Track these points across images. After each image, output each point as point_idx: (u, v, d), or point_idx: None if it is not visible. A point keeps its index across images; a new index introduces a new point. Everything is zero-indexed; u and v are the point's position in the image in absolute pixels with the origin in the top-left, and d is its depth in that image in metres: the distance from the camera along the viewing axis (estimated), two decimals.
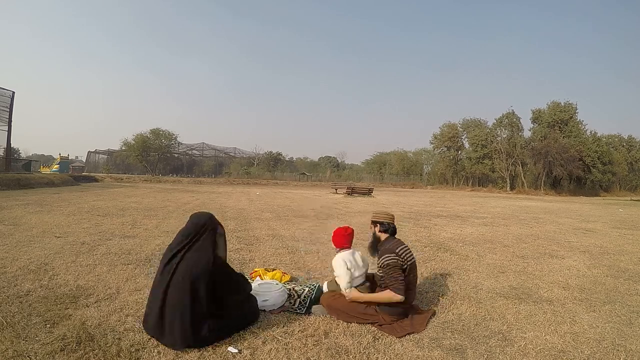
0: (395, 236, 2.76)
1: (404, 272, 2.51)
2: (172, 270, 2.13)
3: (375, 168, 57.02)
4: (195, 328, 2.03)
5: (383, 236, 2.72)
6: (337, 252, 2.78)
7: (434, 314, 2.70)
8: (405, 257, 2.55)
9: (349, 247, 2.79)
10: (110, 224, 6.23)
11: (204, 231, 2.26)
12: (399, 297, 2.42)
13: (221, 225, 2.39)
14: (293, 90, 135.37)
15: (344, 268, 2.59)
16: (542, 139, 40.62)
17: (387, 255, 2.52)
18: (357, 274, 2.66)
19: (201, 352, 2.02)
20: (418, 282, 3.49)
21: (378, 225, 2.74)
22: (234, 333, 2.23)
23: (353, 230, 2.85)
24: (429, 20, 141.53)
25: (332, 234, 2.84)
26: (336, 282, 2.70)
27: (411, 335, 2.34)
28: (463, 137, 48.96)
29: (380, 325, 2.45)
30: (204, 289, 2.09)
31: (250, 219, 7.91)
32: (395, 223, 2.78)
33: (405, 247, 2.64)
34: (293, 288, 3.00)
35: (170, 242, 2.32)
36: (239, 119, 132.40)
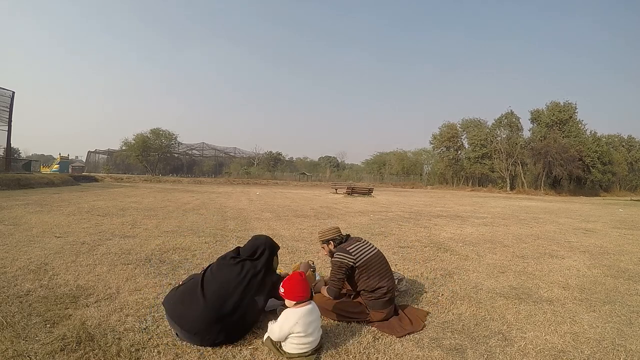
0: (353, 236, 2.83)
1: (353, 271, 2.59)
2: (221, 273, 2.27)
3: (375, 168, 57.03)
4: (213, 329, 2.07)
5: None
6: (291, 306, 2.10)
7: (427, 313, 2.71)
8: (357, 254, 2.60)
9: (309, 300, 2.12)
10: (110, 224, 6.23)
11: (262, 251, 2.40)
12: (328, 296, 2.60)
13: (277, 246, 2.55)
14: (293, 90, 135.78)
15: (285, 330, 2.00)
16: (542, 139, 40.62)
17: (338, 254, 2.63)
18: (309, 339, 2.02)
19: (201, 352, 2.02)
20: (418, 281, 3.52)
21: (331, 242, 2.79)
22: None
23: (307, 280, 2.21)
24: (429, 21, 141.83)
25: (285, 284, 2.12)
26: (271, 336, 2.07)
27: (411, 335, 2.34)
28: (462, 137, 49.00)
29: (378, 322, 2.47)
30: (242, 298, 2.17)
31: (250, 219, 7.90)
32: (344, 232, 2.85)
33: (359, 244, 2.68)
34: None
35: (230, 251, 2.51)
36: (239, 119, 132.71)
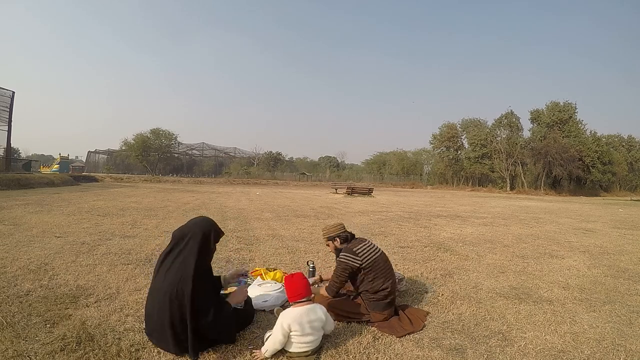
0: (358, 237, 2.81)
1: (358, 272, 2.57)
2: (158, 277, 2.07)
3: (375, 168, 57.03)
4: (183, 337, 1.95)
5: (343, 245, 2.74)
6: (290, 306, 2.15)
7: (427, 313, 2.72)
8: (364, 256, 2.57)
9: (306, 301, 2.12)
10: (110, 224, 6.23)
11: (185, 241, 2.09)
12: (327, 295, 2.62)
13: (209, 232, 2.16)
14: (293, 90, 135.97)
15: (283, 331, 1.98)
16: (542, 139, 40.63)
17: (343, 254, 2.61)
18: (308, 339, 2.02)
19: (201, 352, 2.02)
20: (418, 281, 3.52)
21: (337, 239, 2.76)
22: (233, 334, 2.21)
23: (307, 281, 2.21)
24: (429, 21, 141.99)
25: (285, 283, 2.21)
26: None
27: (411, 335, 2.34)
28: (462, 137, 49.02)
29: (379, 322, 2.47)
30: (187, 298, 1.94)
31: (250, 219, 7.90)
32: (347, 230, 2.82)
33: (365, 244, 2.65)
34: None
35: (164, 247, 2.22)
36: (240, 119, 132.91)
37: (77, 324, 2.24)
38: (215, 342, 2.09)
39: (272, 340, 1.99)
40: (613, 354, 2.19)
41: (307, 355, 2.00)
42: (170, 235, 2.20)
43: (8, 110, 18.88)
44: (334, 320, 2.51)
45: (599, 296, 3.31)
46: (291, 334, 2.01)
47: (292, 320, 2.01)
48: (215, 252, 2.35)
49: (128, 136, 43.29)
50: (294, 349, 2.00)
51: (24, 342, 2.01)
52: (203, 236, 2.11)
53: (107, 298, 2.73)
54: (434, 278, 3.69)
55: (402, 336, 2.31)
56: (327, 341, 2.20)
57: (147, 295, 2.16)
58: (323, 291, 2.68)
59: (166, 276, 2.02)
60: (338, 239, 2.76)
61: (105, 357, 1.91)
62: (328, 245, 2.83)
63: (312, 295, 2.26)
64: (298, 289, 2.12)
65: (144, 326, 2.15)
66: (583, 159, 39.57)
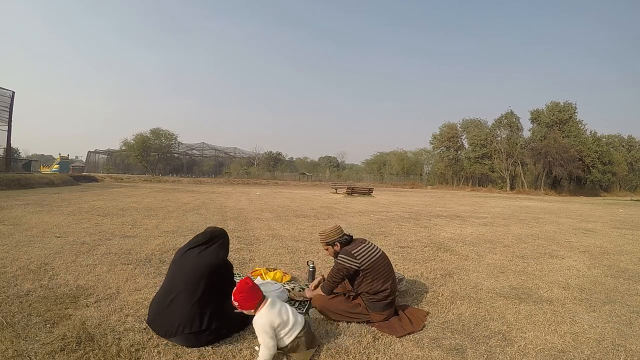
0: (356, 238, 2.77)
1: (357, 274, 2.56)
2: (183, 263, 2.27)
3: (375, 168, 57.07)
4: (195, 317, 2.06)
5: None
6: (253, 314, 2.03)
7: (427, 313, 2.71)
8: (362, 258, 2.54)
9: (262, 301, 2.04)
10: (110, 224, 6.23)
11: (219, 239, 2.43)
12: (322, 294, 2.65)
13: (228, 237, 2.57)
14: (293, 90, 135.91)
15: (269, 335, 1.94)
16: (542, 139, 40.63)
17: (341, 257, 2.59)
18: (291, 321, 2.02)
19: (201, 352, 2.02)
20: (418, 281, 3.52)
21: (337, 244, 2.69)
22: (233, 333, 2.23)
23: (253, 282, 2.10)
24: (429, 20, 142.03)
25: (237, 296, 2.02)
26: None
27: (411, 335, 2.34)
28: (462, 137, 49.04)
29: (376, 323, 2.47)
30: (210, 281, 2.17)
31: (250, 219, 7.90)
32: (345, 231, 2.77)
33: (364, 246, 2.62)
34: (293, 288, 3.00)
35: (183, 245, 2.50)
36: (240, 119, 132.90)
37: (77, 324, 2.24)
38: (222, 337, 2.16)
39: (266, 348, 1.91)
40: (613, 354, 2.19)
41: (305, 349, 1.99)
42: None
43: (8, 110, 18.89)
44: (333, 319, 2.51)
45: (599, 296, 3.32)
46: (277, 330, 1.98)
47: (268, 320, 1.96)
48: None
49: (128, 136, 43.41)
50: (288, 339, 1.98)
51: (24, 342, 2.01)
52: (227, 238, 2.52)
53: (107, 298, 2.73)
54: (434, 278, 3.69)
55: (402, 336, 2.31)
56: (327, 341, 2.20)
57: (158, 288, 2.31)
58: (319, 290, 2.69)
59: (197, 260, 2.25)
60: (338, 244, 2.70)
61: (105, 357, 1.91)
62: (327, 249, 2.76)
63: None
64: (256, 297, 2.02)
65: (149, 319, 2.20)
66: (583, 159, 39.57)
